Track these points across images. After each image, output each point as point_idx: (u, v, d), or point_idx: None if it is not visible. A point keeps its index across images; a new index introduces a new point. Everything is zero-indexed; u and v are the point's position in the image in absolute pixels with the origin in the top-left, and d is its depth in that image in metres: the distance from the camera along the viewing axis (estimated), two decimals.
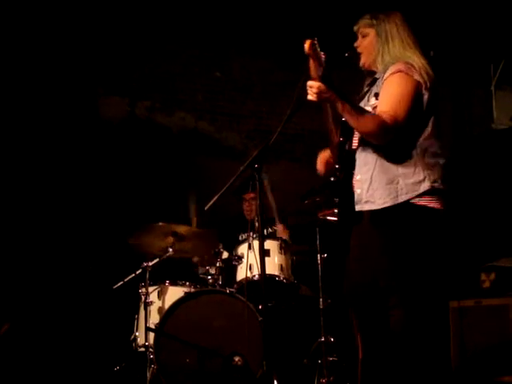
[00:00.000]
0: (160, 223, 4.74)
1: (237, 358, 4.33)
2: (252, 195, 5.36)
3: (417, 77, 3.16)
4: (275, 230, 5.52)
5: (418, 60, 3.22)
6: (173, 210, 5.70)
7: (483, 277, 5.91)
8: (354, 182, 3.31)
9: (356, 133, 3.32)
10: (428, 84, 3.18)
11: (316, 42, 3.12)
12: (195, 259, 5.32)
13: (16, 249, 5.46)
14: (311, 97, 3.09)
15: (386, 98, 3.15)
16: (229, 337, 4.42)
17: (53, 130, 5.86)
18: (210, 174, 6.06)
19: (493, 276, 5.85)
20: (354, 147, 3.34)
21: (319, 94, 3.05)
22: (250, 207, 5.49)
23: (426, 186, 3.15)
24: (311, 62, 3.13)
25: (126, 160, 6.13)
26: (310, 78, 3.15)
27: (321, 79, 3.09)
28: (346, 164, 3.36)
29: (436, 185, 3.16)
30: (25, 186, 5.64)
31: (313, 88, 3.06)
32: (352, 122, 3.14)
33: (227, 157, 6.53)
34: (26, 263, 5.47)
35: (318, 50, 3.14)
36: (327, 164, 3.51)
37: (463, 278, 6.02)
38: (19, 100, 5.79)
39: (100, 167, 6.00)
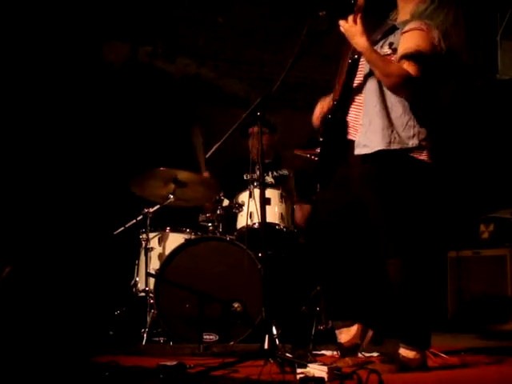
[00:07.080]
0: (161, 168, 4.72)
1: (236, 305, 4.37)
2: (256, 128, 5.22)
3: (436, 37, 3.20)
4: (280, 174, 5.46)
5: (436, 20, 3.24)
6: (175, 156, 5.67)
7: (482, 228, 5.95)
8: (355, 126, 3.37)
9: (359, 74, 3.37)
10: (442, 45, 3.22)
11: None
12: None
13: (17, 194, 5.47)
14: (344, 30, 3.15)
15: (408, 52, 3.17)
16: (228, 283, 4.46)
17: (54, 76, 5.81)
18: (211, 120, 6.02)
19: (492, 227, 5.88)
20: (354, 86, 3.39)
21: (355, 34, 3.10)
22: (257, 140, 5.32)
23: (414, 142, 3.24)
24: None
25: (127, 105, 6.09)
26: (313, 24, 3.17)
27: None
28: (343, 103, 3.40)
29: (424, 143, 3.25)
30: (26, 129, 5.62)
31: (352, 27, 3.11)
32: (378, 69, 3.18)
33: (229, 104, 6.48)
34: (28, 207, 5.49)
35: None
36: (323, 118, 3.56)
37: (462, 228, 6.06)
38: (21, 44, 5.72)
39: (101, 112, 5.96)
